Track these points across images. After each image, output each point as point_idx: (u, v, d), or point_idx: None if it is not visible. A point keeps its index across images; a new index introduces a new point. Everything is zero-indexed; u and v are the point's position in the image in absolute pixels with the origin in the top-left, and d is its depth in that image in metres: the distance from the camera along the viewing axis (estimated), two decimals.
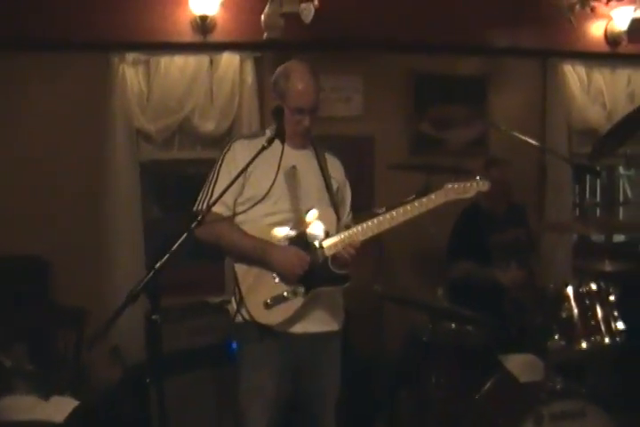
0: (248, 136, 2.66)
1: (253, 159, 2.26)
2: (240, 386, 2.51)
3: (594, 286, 3.14)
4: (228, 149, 2.57)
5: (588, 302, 3.11)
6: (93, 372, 3.66)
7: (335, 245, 2.44)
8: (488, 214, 3.81)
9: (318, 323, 2.51)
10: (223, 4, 3.99)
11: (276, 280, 2.43)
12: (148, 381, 2.45)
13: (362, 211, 2.66)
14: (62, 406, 2.62)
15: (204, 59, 4.02)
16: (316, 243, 2.44)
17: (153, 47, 3.96)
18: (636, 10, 4.43)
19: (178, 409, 3.06)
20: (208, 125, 4.01)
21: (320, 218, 2.48)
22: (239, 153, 2.52)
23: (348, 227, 2.48)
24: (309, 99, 2.51)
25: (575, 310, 3.07)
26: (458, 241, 3.77)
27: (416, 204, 2.47)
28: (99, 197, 3.93)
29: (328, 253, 2.44)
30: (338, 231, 2.47)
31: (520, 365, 3.14)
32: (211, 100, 4.02)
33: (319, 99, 2.56)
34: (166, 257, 2.00)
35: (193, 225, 2.06)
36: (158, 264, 1.99)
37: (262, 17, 3.83)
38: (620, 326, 3.09)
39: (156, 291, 1.99)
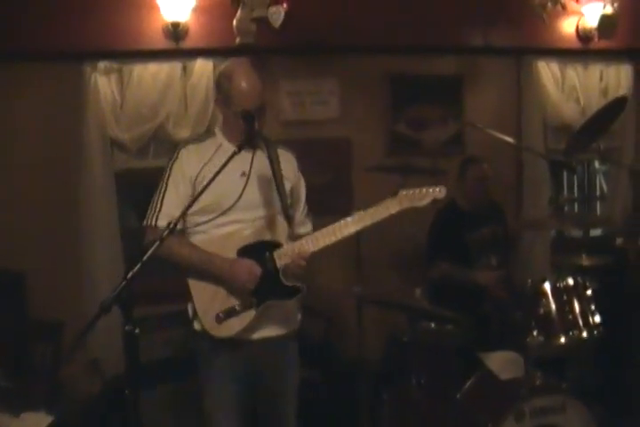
0: (195, 140, 2.54)
1: (224, 166, 2.21)
2: (203, 393, 2.50)
3: (571, 281, 3.18)
4: (176, 158, 2.46)
5: (565, 297, 3.14)
6: (72, 386, 3.64)
7: (286, 256, 2.39)
8: (465, 213, 3.84)
9: (273, 327, 2.48)
10: (195, 11, 3.98)
11: (227, 293, 2.39)
12: (126, 392, 2.43)
13: (340, 213, 2.65)
14: (34, 423, 2.58)
15: (177, 66, 4.03)
16: (267, 254, 2.39)
17: (125, 55, 3.96)
18: (604, 6, 4.46)
19: (158, 420, 3.05)
20: (183, 133, 4.00)
21: (271, 228, 2.43)
22: (186, 161, 2.44)
23: (299, 236, 2.44)
24: (255, 99, 2.40)
25: (553, 306, 3.10)
26: (435, 241, 3.79)
27: (369, 212, 2.42)
28: (74, 208, 3.92)
29: (279, 264, 2.39)
30: (290, 240, 2.42)
31: (500, 362, 3.16)
32: (185, 107, 4.02)
33: (265, 98, 2.46)
34: (137, 267, 1.99)
35: (160, 239, 2.02)
36: (130, 275, 1.99)
37: (234, 22, 3.84)
38: (598, 319, 3.12)
39: (128, 301, 1.98)
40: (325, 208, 4.03)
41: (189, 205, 2.22)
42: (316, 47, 4.25)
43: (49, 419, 2.64)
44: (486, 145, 4.17)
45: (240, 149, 2.34)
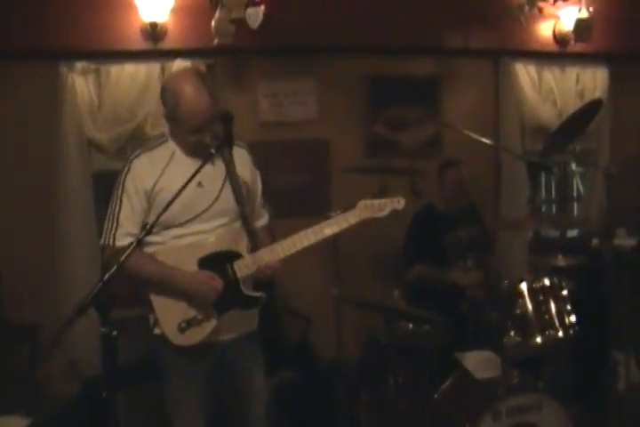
0: (147, 148, 2.42)
1: (197, 172, 2.24)
2: (167, 396, 2.48)
3: (547, 282, 3.20)
4: (128, 171, 2.37)
5: (541, 297, 3.17)
6: (50, 387, 3.61)
7: (246, 267, 2.39)
8: (442, 215, 3.86)
9: (235, 328, 2.48)
10: (173, 11, 3.96)
11: (188, 304, 2.36)
12: (104, 394, 2.42)
13: (318, 214, 2.65)
14: (10, 426, 2.55)
15: (155, 66, 4.00)
16: (227, 266, 2.38)
17: (103, 55, 3.93)
18: (580, 10, 4.51)
19: (139, 421, 3.04)
20: None
21: (230, 235, 2.42)
22: (139, 174, 2.35)
23: (263, 245, 2.42)
24: (205, 116, 2.30)
25: (529, 306, 3.12)
26: (413, 243, 3.81)
27: (329, 223, 2.42)
28: (51, 209, 3.88)
29: (239, 275, 2.39)
30: (251, 247, 2.42)
31: (477, 362, 3.18)
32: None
33: (216, 109, 2.34)
34: (113, 270, 1.99)
35: (124, 256, 2.03)
36: (106, 276, 1.98)
37: (212, 23, 3.83)
38: (573, 319, 3.15)
39: (105, 303, 1.98)
40: (303, 209, 4.12)
41: (152, 226, 2.20)
42: (294, 48, 4.26)
43: (24, 422, 2.62)
44: (464, 146, 4.19)
45: (218, 150, 2.37)
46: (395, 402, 2.93)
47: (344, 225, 2.43)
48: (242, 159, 2.52)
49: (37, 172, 3.92)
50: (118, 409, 2.52)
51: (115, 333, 2.62)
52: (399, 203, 2.48)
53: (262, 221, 2.65)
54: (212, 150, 2.34)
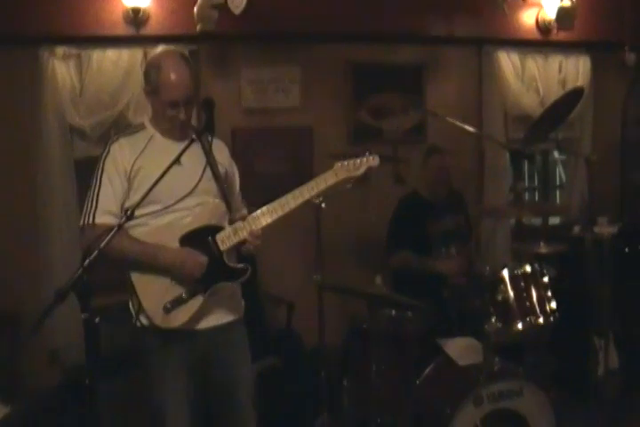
0: (127, 133, 2.48)
1: (179, 156, 2.23)
2: (152, 386, 2.46)
3: (528, 268, 3.23)
4: (107, 153, 2.40)
5: (522, 284, 3.20)
6: (32, 376, 3.60)
7: (228, 238, 2.39)
8: (426, 202, 3.87)
9: (220, 315, 2.47)
10: None
11: (173, 283, 2.35)
12: (86, 382, 2.40)
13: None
14: None
15: (137, 52, 3.96)
16: (209, 239, 2.38)
17: (84, 41, 3.88)
18: None
19: (120, 411, 3.03)
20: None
21: (210, 212, 2.43)
22: (119, 155, 2.39)
23: (243, 217, 2.43)
24: (183, 91, 2.37)
25: (511, 293, 3.15)
26: (397, 230, 3.82)
27: (308, 186, 2.43)
28: (33, 196, 3.85)
29: (222, 247, 2.39)
30: (230, 223, 2.43)
31: (459, 348, 3.20)
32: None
33: (195, 89, 2.43)
34: (94, 254, 1.98)
35: (108, 238, 2.03)
36: (86, 262, 1.97)
37: (195, 9, 3.80)
38: (554, 305, 3.19)
39: (85, 290, 1.96)
40: None
41: (138, 203, 2.21)
42: (278, 35, 4.24)
43: (5, 410, 2.60)
44: (448, 134, 4.21)
45: (199, 135, 2.39)
46: (377, 388, 2.95)
47: (322, 186, 2.45)
48: (221, 150, 2.58)
49: (19, 158, 3.88)
50: (101, 398, 2.50)
51: (97, 320, 2.59)
52: (374, 160, 2.50)
53: (241, 214, 2.59)
54: (193, 136, 2.36)
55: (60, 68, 3.83)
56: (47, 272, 3.81)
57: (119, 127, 3.99)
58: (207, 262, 2.35)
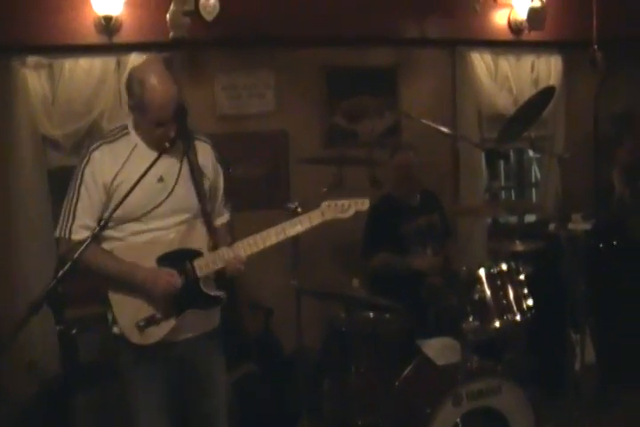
0: (108, 139, 2.38)
1: (150, 167, 2.20)
2: (127, 396, 2.46)
3: (504, 267, 3.27)
4: (87, 162, 2.32)
5: (499, 282, 3.24)
6: (10, 388, 3.56)
7: (206, 266, 2.36)
8: (401, 203, 3.90)
9: (195, 327, 2.46)
10: (127, 4, 3.90)
11: (147, 301, 2.34)
12: (62, 393, 2.40)
13: (278, 206, 2.65)
14: None
15: (110, 60, 3.95)
16: (187, 264, 2.36)
17: (55, 50, 3.86)
18: None
19: (97, 421, 3.02)
20: None
21: (190, 235, 2.39)
22: (99, 165, 2.31)
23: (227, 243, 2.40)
24: (171, 108, 2.27)
25: (487, 291, 3.20)
26: (373, 232, 3.84)
27: (292, 223, 2.41)
28: (6, 207, 3.82)
29: (200, 273, 2.37)
30: (209, 248, 2.39)
31: (437, 348, 3.23)
32: (119, 102, 3.93)
33: (181, 102, 2.32)
34: (68, 266, 1.98)
35: (81, 249, 2.00)
36: (60, 274, 1.97)
37: (167, 16, 3.80)
38: (530, 303, 3.23)
39: (59, 301, 1.97)
40: (262, 201, 4.13)
41: (107, 220, 2.16)
42: (251, 40, 4.24)
43: None
44: (422, 135, 4.24)
45: (172, 144, 2.32)
46: (357, 390, 2.96)
47: (307, 225, 2.43)
48: (206, 155, 2.49)
49: None
50: (78, 409, 2.49)
51: (74, 331, 2.58)
52: (363, 205, 2.47)
53: (223, 218, 2.62)
54: (167, 144, 2.29)
55: (32, 77, 3.80)
56: (22, 283, 3.76)
57: (93, 137, 3.95)
58: (182, 286, 2.33)
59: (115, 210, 2.19)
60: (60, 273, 1.96)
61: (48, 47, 3.85)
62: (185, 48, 4.11)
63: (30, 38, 3.79)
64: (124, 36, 3.94)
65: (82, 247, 2.03)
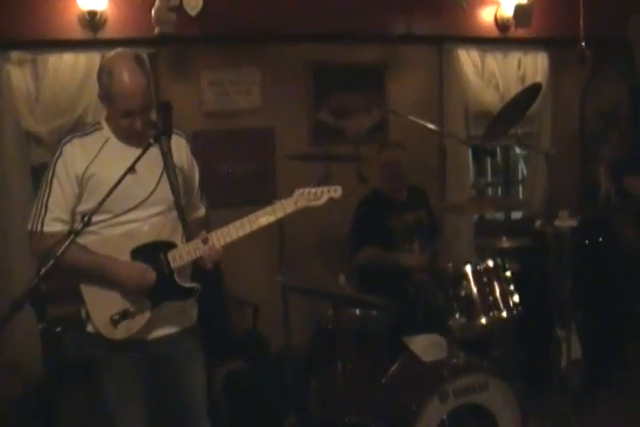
0: (81, 133, 2.37)
1: (136, 161, 2.17)
2: (104, 395, 2.44)
3: (491, 263, 3.28)
4: (60, 155, 2.32)
5: (485, 278, 3.24)
6: None
7: (180, 257, 2.34)
8: (388, 199, 3.90)
9: (171, 325, 2.44)
10: None
11: (121, 295, 2.30)
12: (45, 394, 2.37)
13: (264, 202, 2.63)
14: None
15: (95, 56, 3.89)
16: (161, 256, 2.33)
17: (39, 45, 3.82)
18: None
19: (83, 420, 2.99)
20: None
21: (164, 227, 2.38)
22: (71, 158, 2.30)
23: (204, 239, 2.35)
24: (138, 100, 2.25)
25: (474, 288, 3.20)
26: (360, 228, 3.84)
27: (265, 212, 2.38)
28: None
29: (174, 265, 2.34)
30: (184, 240, 2.36)
31: (424, 345, 3.23)
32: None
33: (151, 95, 2.31)
34: (51, 263, 1.95)
35: (65, 245, 1.97)
36: (42, 271, 1.95)
37: (152, 11, 3.77)
38: (516, 299, 3.23)
39: (40, 299, 1.94)
40: (248, 198, 4.11)
41: (92, 212, 2.12)
42: (237, 36, 4.22)
43: None
44: (409, 132, 4.24)
45: (155, 140, 2.28)
46: (343, 387, 2.95)
47: (280, 214, 2.39)
48: (180, 148, 2.48)
49: None
50: (63, 408, 2.46)
51: (58, 329, 2.55)
52: (336, 192, 2.44)
53: (199, 213, 2.61)
54: (151, 140, 2.26)
55: (16, 73, 3.77)
56: (3, 281, 3.73)
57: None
58: (155, 279, 2.30)
59: (98, 207, 2.15)
60: (43, 270, 1.94)
61: (32, 42, 3.81)
62: (171, 44, 4.09)
63: (14, 33, 3.75)
64: (109, 32, 3.91)
65: (64, 246, 1.98)
